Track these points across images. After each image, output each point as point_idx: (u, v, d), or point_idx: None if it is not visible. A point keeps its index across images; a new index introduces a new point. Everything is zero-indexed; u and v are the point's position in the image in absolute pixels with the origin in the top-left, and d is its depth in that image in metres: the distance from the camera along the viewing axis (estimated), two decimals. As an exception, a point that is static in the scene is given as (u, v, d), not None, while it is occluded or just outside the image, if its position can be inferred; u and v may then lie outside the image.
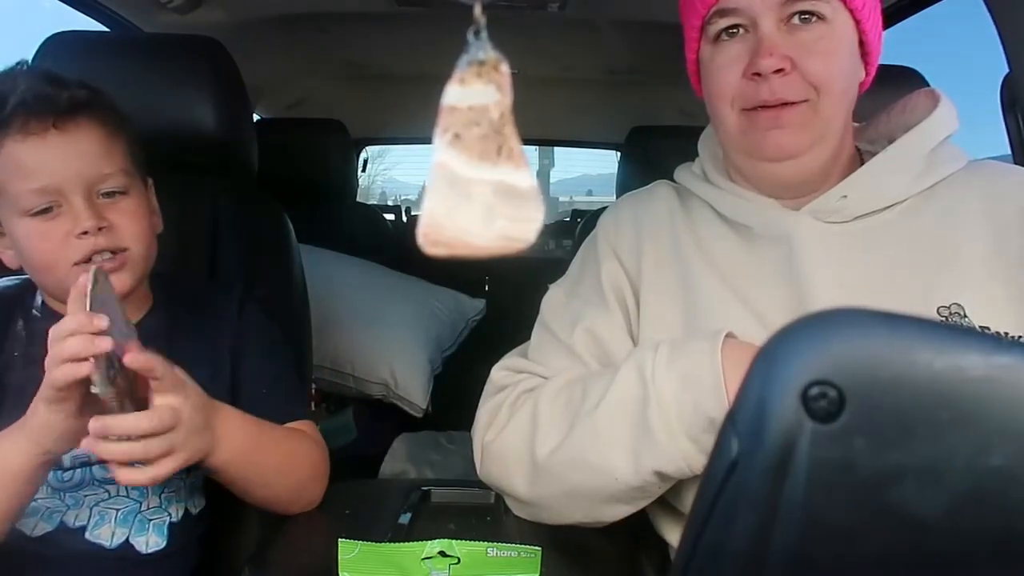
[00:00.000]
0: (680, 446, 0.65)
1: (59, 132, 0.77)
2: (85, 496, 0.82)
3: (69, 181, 0.77)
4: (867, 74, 0.78)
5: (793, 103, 0.72)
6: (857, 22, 0.73)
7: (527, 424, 0.75)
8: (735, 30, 0.73)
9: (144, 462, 0.67)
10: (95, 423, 0.65)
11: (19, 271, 0.85)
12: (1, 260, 0.84)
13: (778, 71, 0.70)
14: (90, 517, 0.81)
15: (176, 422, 0.68)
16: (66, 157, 0.77)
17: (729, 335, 0.67)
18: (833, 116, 0.73)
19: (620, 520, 0.81)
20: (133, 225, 0.81)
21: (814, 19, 0.71)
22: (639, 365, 0.68)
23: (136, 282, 0.83)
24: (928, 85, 1.19)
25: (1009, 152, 1.36)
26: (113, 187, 0.80)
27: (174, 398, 0.69)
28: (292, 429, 0.88)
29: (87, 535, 0.81)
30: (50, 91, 0.78)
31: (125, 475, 0.67)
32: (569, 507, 0.75)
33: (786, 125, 0.72)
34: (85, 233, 0.77)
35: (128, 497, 0.83)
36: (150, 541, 0.83)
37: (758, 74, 0.71)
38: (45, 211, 0.77)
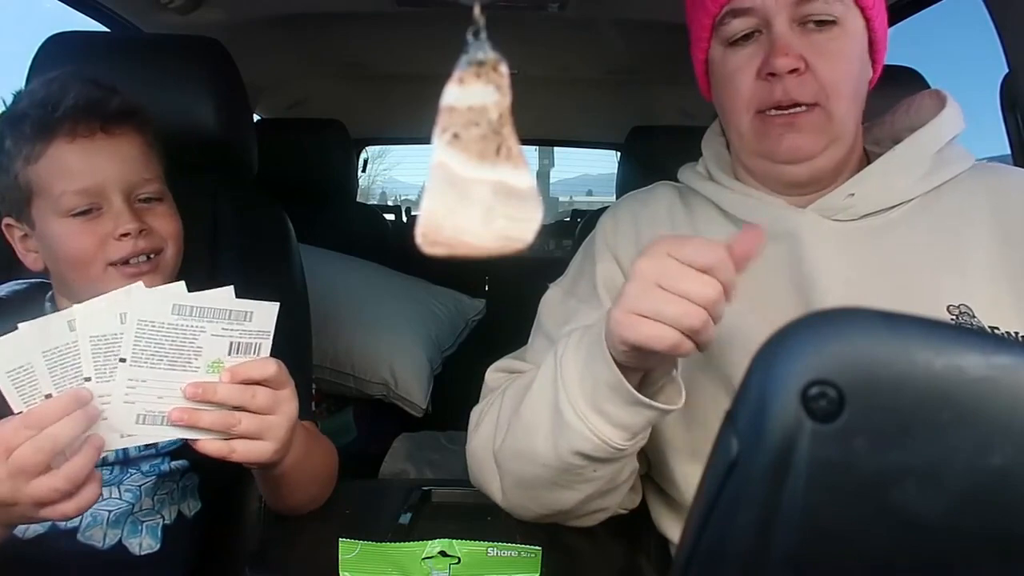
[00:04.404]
0: (588, 421, 0.64)
1: (107, 136, 0.80)
2: None
3: (112, 183, 0.79)
4: (874, 72, 0.78)
5: (806, 107, 0.72)
6: (867, 20, 0.73)
7: (492, 424, 0.76)
8: (750, 35, 0.73)
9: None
10: (193, 387, 0.66)
11: (38, 275, 0.86)
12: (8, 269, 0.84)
13: (792, 71, 0.70)
14: (82, 518, 0.81)
15: (277, 404, 0.69)
16: (111, 160, 0.80)
17: None
18: (846, 117, 0.73)
19: (620, 519, 0.81)
20: (168, 226, 0.84)
21: (827, 21, 0.71)
22: (555, 350, 0.69)
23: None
24: (928, 85, 1.19)
25: (1009, 152, 1.36)
26: (150, 192, 0.83)
27: (287, 389, 0.71)
28: (314, 431, 0.89)
29: (79, 536, 0.80)
30: (101, 96, 0.81)
31: (212, 446, 0.68)
32: (524, 499, 0.75)
33: (801, 129, 0.72)
34: (126, 235, 0.79)
35: (120, 499, 0.83)
36: (143, 543, 0.83)
37: (772, 74, 0.71)
38: (86, 212, 0.79)
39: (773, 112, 0.73)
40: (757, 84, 0.73)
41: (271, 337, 0.70)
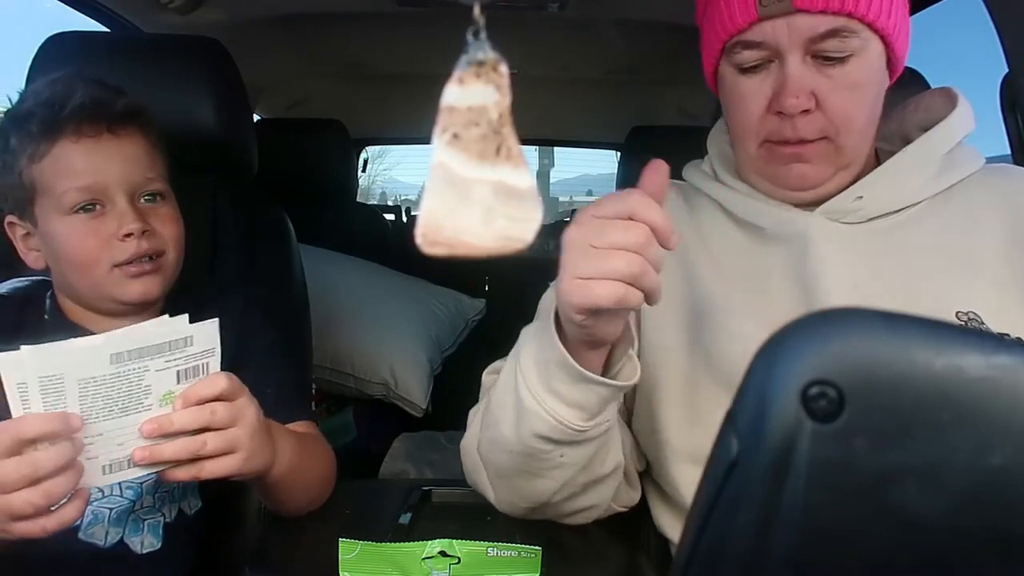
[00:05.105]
0: (544, 403, 0.65)
1: (112, 136, 0.81)
2: None
3: (115, 183, 0.80)
4: (890, 79, 0.74)
5: (814, 140, 0.70)
6: (888, 44, 0.70)
7: (479, 421, 0.76)
8: (760, 64, 0.71)
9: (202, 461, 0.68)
10: (149, 424, 0.65)
11: (39, 273, 0.86)
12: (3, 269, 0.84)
13: (803, 111, 0.69)
14: (83, 516, 0.81)
15: (238, 415, 0.69)
16: (116, 160, 0.80)
17: None
18: (857, 146, 0.72)
19: (620, 519, 0.81)
20: (170, 229, 0.85)
21: (843, 55, 0.68)
22: (518, 340, 0.70)
23: (167, 287, 0.85)
24: (929, 85, 1.19)
25: (1009, 152, 1.36)
26: (154, 191, 0.84)
27: (243, 398, 0.70)
28: (308, 433, 0.89)
29: (81, 535, 0.80)
30: (106, 97, 0.81)
31: (182, 472, 0.67)
32: (507, 492, 0.76)
33: (809, 159, 0.72)
34: (129, 235, 0.79)
35: (121, 496, 0.83)
36: (145, 541, 0.83)
37: (782, 112, 0.70)
38: (88, 209, 0.79)
39: (782, 143, 0.72)
40: (767, 117, 0.71)
41: (218, 352, 0.68)
